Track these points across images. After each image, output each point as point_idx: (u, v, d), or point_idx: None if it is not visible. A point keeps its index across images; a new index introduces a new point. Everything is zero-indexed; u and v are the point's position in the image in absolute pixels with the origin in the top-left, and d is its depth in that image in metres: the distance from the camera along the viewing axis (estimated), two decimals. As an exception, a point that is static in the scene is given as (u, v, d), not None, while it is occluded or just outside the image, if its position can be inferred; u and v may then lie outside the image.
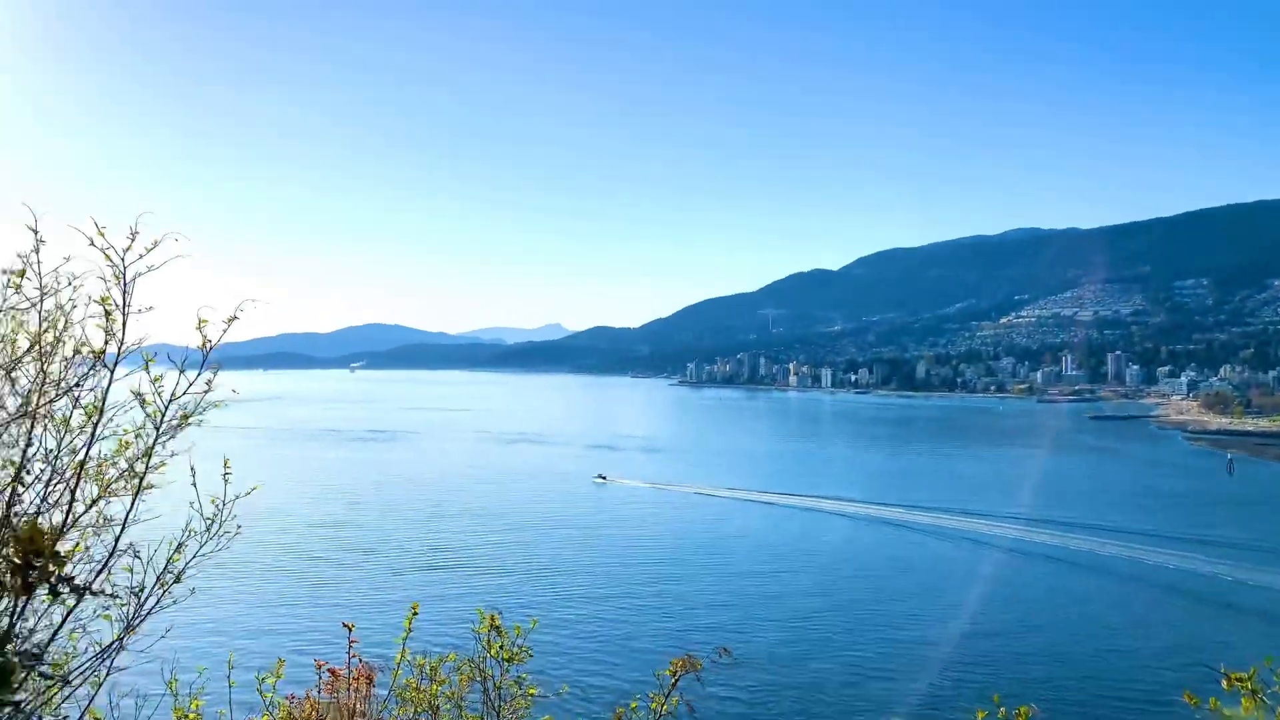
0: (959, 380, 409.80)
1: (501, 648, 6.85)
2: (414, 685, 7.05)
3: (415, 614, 7.04)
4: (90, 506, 5.05)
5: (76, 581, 4.25)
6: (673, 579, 76.36)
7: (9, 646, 3.64)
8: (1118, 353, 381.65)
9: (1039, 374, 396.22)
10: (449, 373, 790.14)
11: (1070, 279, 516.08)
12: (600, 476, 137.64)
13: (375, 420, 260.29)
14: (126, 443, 5.16)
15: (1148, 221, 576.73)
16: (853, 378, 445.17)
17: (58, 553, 3.74)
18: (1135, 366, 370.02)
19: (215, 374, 5.15)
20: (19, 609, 4.44)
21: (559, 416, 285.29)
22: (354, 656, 6.87)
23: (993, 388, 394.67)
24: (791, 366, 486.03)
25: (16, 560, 3.55)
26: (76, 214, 4.89)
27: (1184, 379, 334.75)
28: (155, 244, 4.85)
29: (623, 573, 78.37)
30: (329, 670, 6.88)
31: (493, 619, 6.91)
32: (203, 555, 5.35)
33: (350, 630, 6.98)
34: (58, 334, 5.19)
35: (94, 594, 4.32)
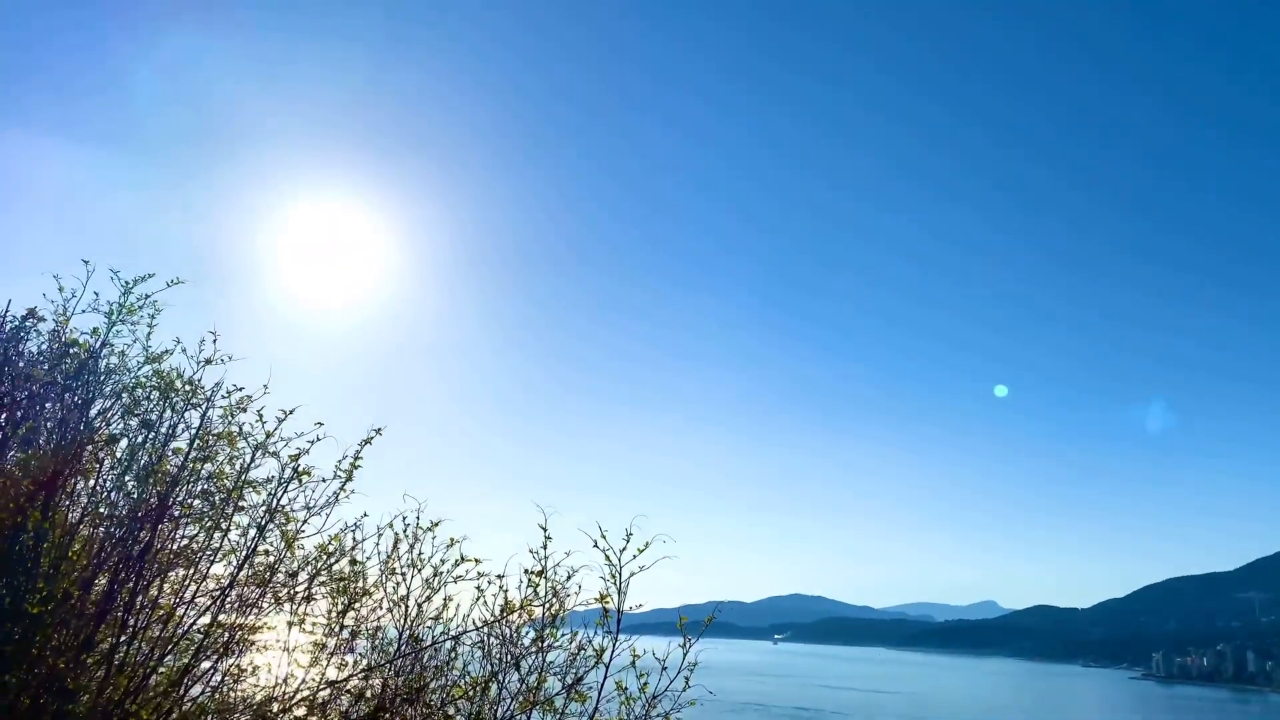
0: None
1: None
2: None
3: None
4: None
5: None
6: None
7: None
8: None
9: None
10: (873, 650, 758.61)
11: None
12: None
13: (802, 697, 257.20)
14: None
15: None
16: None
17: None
18: None
19: (693, 670, 5.70)
20: None
21: (1001, 708, 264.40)
22: None
23: None
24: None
25: None
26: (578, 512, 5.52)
27: None
28: (647, 545, 5.43)
29: None
30: None
31: None
32: None
33: None
34: (556, 623, 5.83)
35: None
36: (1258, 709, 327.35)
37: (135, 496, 5.78)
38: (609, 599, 5.60)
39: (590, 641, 5.78)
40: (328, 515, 6.18)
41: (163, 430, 6.09)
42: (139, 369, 6.24)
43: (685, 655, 5.71)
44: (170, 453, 6.03)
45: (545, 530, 5.77)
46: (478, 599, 6.02)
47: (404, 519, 6.33)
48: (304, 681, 5.70)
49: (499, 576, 6.01)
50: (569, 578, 5.83)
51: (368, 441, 6.22)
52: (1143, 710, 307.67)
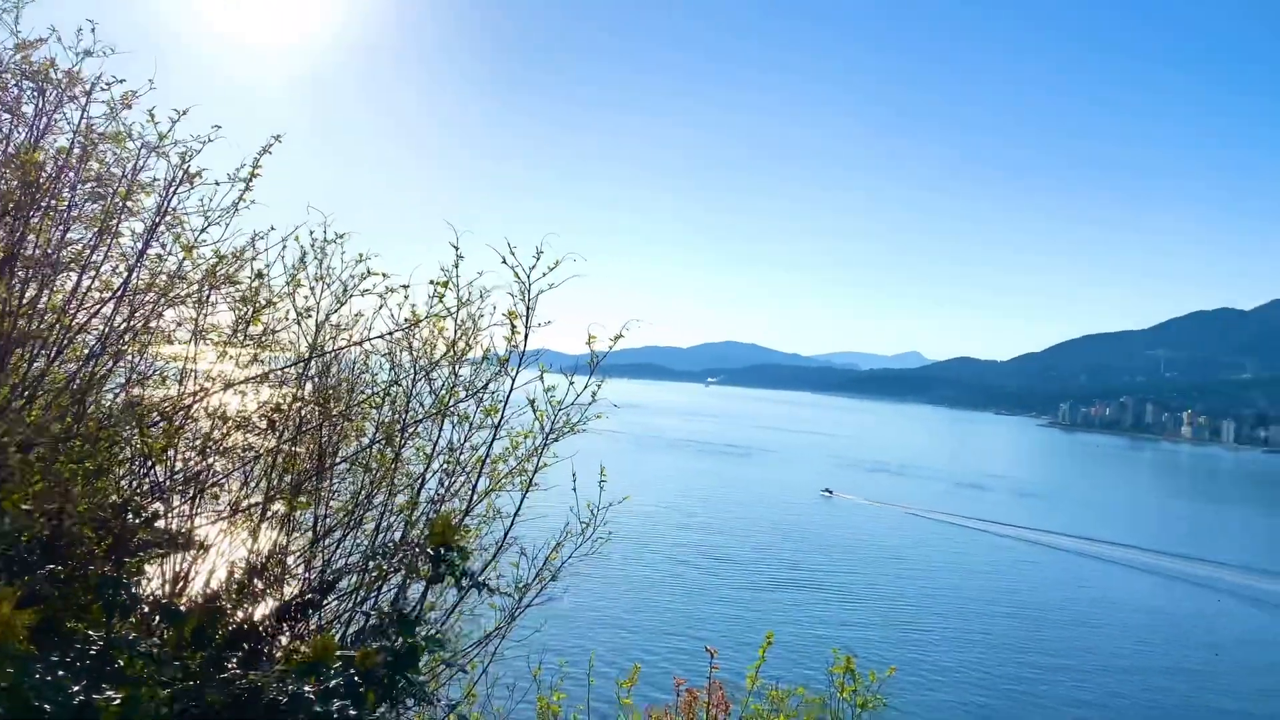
0: None
1: (854, 692, 6.85)
2: (762, 713, 7.18)
3: (770, 643, 7.25)
4: (483, 498, 5.74)
5: (475, 575, 4.33)
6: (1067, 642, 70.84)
7: (419, 630, 4.00)
8: None
9: None
10: (800, 394, 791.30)
11: None
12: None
13: (732, 435, 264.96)
14: (518, 443, 5.74)
15: None
16: (1263, 434, 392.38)
17: (464, 547, 4.08)
18: None
19: (599, 386, 5.65)
20: (425, 595, 5.17)
21: (919, 450, 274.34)
22: (716, 686, 6.99)
23: None
24: (1186, 416, 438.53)
25: (430, 551, 3.90)
26: (491, 230, 5.54)
27: None
28: (557, 263, 5.39)
29: (1004, 626, 73.83)
30: (688, 691, 7.03)
31: (848, 661, 6.90)
32: (578, 556, 5.85)
33: (713, 656, 7.09)
34: (469, 341, 5.83)
35: (490, 590, 4.55)
36: (1149, 454, 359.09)
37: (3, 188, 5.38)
38: (518, 316, 5.54)
39: (498, 357, 5.81)
40: (227, 225, 5.86)
41: (40, 125, 5.60)
42: (8, 58, 5.60)
43: (592, 371, 5.65)
44: (47, 147, 5.59)
45: (457, 248, 5.63)
46: (380, 307, 5.95)
47: (310, 232, 6.06)
48: (206, 389, 5.64)
49: (404, 287, 5.88)
50: (482, 298, 5.78)
51: (266, 150, 5.79)
52: (1043, 453, 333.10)
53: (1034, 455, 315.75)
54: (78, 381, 5.40)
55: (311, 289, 6.07)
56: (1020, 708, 54.67)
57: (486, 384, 5.78)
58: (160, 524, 4.83)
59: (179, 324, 5.87)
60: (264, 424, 5.64)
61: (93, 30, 5.53)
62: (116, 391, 5.82)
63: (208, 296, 5.82)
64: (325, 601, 5.08)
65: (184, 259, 5.80)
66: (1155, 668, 66.67)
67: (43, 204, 5.42)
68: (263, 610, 4.41)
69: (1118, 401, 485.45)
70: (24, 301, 5.24)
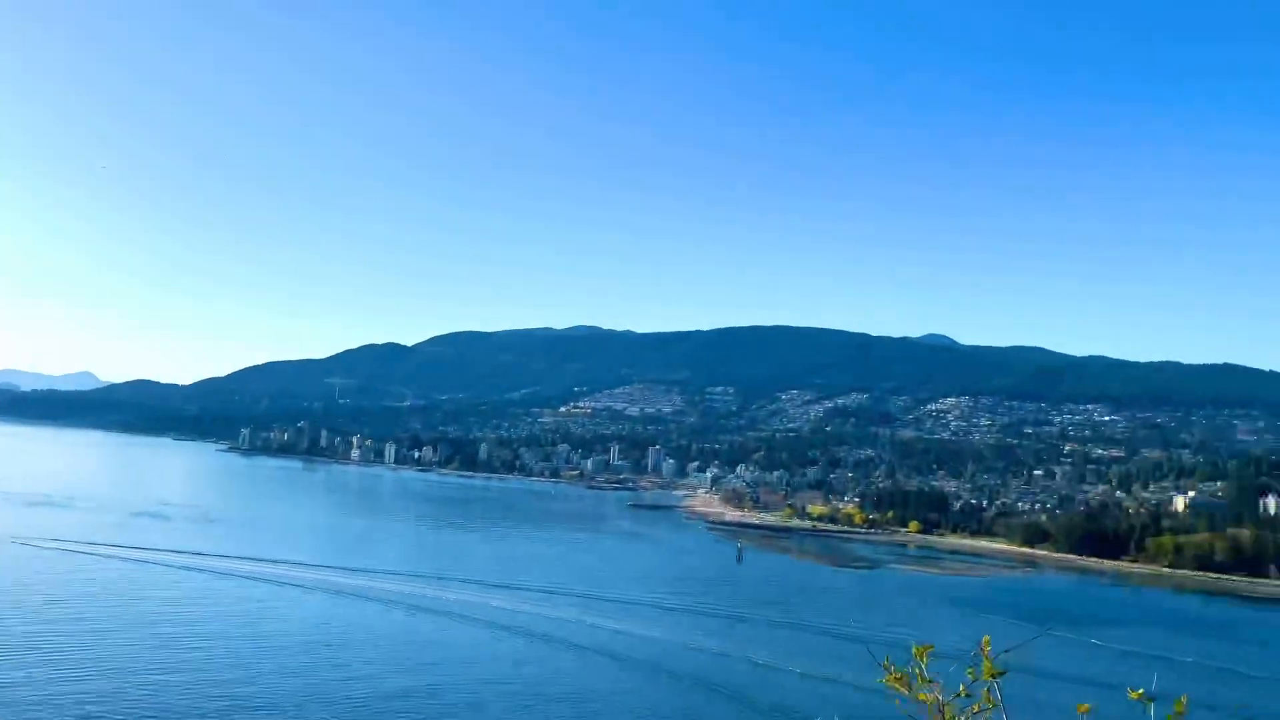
0: (518, 463, 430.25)
1: None
2: None
3: None
4: None
5: None
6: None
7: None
8: (657, 447, 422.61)
9: (589, 462, 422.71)
10: None
11: (624, 376, 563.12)
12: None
13: None
14: None
15: (689, 332, 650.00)
16: (416, 455, 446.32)
17: None
18: (671, 460, 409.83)
19: None
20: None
21: (88, 477, 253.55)
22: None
23: (548, 472, 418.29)
24: (355, 440, 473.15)
25: None
26: None
27: (709, 474, 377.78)
28: None
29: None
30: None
31: None
32: None
33: None
34: None
35: None
36: (321, 475, 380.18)
37: None
38: None
39: None
40: None
41: None
42: None
43: None
44: None
45: None
46: None
47: None
48: None
49: None
50: None
51: None
52: (219, 476, 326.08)
53: (210, 480, 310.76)
54: None
55: None
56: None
57: None
58: None
59: None
60: None
61: None
62: None
63: None
64: None
65: None
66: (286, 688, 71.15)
67: None
68: None
69: (296, 426, 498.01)
70: None
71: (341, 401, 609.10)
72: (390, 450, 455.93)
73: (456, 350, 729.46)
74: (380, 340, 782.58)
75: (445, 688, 73.42)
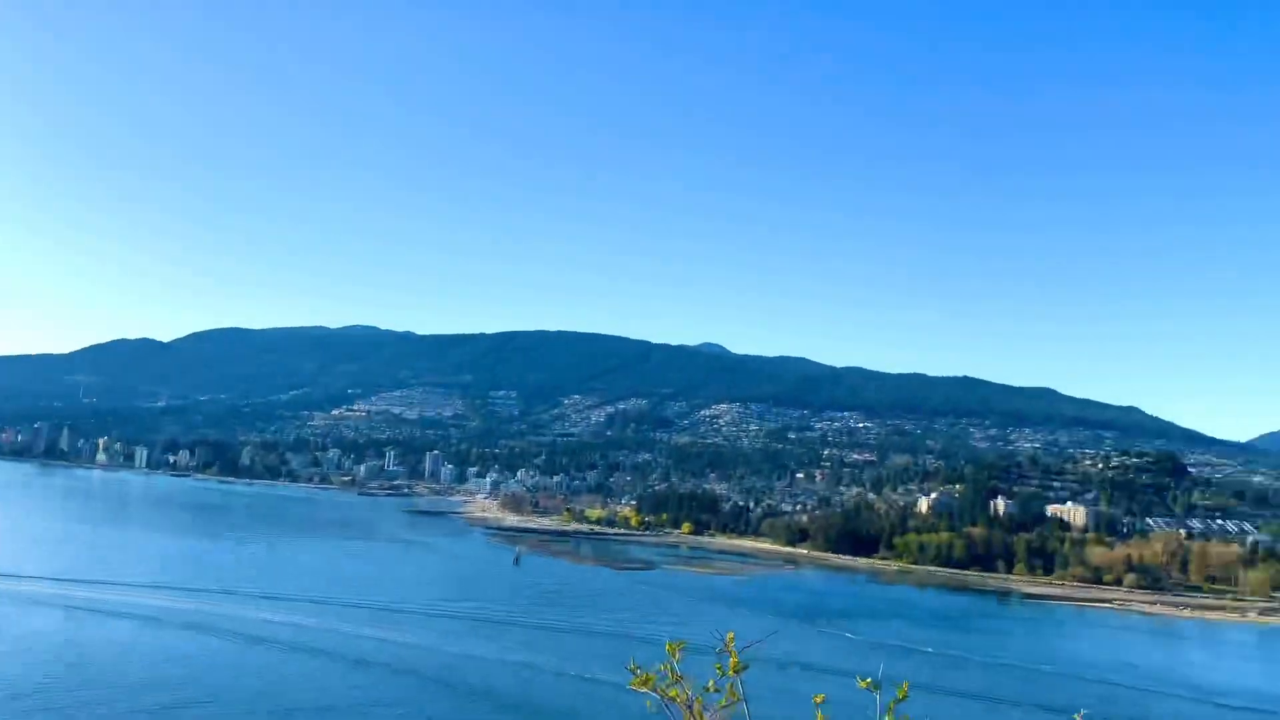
0: (284, 469, 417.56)
1: None
2: None
3: None
4: None
5: None
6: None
7: None
8: (436, 452, 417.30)
9: (363, 467, 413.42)
10: None
11: (402, 379, 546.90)
12: None
13: None
14: None
15: (471, 335, 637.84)
16: (171, 459, 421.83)
17: None
18: (450, 466, 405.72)
19: None
20: None
21: None
22: None
23: (317, 478, 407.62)
24: (102, 442, 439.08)
25: None
26: None
27: (489, 479, 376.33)
28: None
29: None
30: None
31: None
32: None
33: None
34: None
35: None
36: (60, 480, 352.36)
37: None
38: None
39: None
40: None
41: None
42: None
43: None
44: None
45: None
46: None
47: None
48: None
49: None
50: None
51: None
52: None
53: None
54: None
55: None
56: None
57: None
58: None
59: None
60: None
61: None
62: None
63: None
64: None
65: None
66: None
67: None
68: None
69: (32, 427, 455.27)
70: None
71: (86, 401, 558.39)
72: (142, 454, 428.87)
73: (218, 348, 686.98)
74: (133, 335, 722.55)
75: (188, 704, 72.22)
